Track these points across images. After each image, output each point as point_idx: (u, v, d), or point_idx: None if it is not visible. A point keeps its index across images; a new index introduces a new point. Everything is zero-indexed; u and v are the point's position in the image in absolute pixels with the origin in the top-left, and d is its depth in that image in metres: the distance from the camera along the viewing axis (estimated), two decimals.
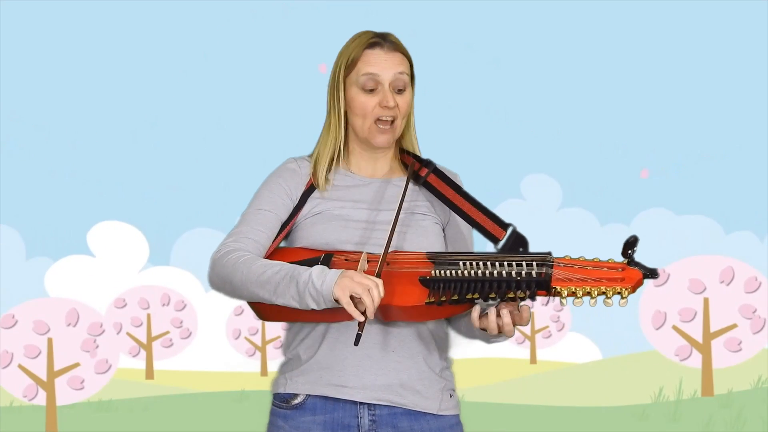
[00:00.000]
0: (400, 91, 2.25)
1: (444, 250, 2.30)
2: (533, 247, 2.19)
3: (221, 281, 2.20)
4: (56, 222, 5.24)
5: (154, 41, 5.25)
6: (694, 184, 5.30)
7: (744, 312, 5.38)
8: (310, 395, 2.23)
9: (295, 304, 2.10)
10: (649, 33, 5.27)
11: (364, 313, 2.04)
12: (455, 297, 2.08)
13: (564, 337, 5.57)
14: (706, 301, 5.40)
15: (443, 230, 2.33)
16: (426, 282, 2.11)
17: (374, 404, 2.22)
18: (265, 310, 2.24)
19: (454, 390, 2.31)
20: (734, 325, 5.38)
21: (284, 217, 2.27)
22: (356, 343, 2.05)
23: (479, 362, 5.26)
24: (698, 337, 5.41)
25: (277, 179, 2.30)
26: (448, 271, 2.09)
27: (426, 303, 2.10)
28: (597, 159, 5.31)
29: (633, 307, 5.43)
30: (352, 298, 2.04)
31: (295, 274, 2.10)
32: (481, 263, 2.09)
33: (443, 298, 2.08)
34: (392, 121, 2.25)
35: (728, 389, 5.35)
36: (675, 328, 5.42)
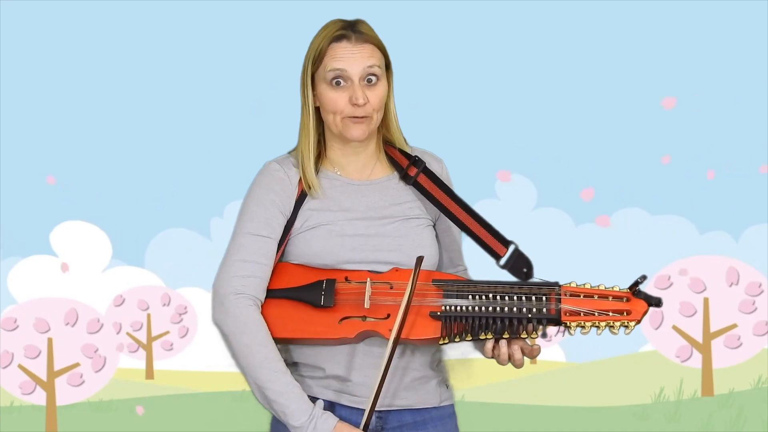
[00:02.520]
0: (371, 85, 2.16)
1: (439, 253, 2.28)
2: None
3: (222, 335, 2.18)
4: (20, 222, 5.23)
5: (122, 40, 5.23)
6: (669, 185, 5.29)
7: (744, 312, 5.38)
8: (315, 397, 2.22)
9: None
10: (631, 32, 5.27)
11: None
12: (468, 338, 2.08)
13: (564, 337, 5.57)
14: (706, 300, 5.40)
15: (434, 226, 2.31)
16: (437, 317, 2.10)
17: (381, 410, 2.22)
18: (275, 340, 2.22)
19: (447, 380, 2.32)
20: (734, 325, 5.38)
21: (280, 234, 2.22)
22: None
23: (479, 362, 5.25)
24: (698, 337, 5.41)
25: (268, 194, 2.20)
26: (458, 307, 2.08)
27: (440, 343, 2.11)
28: (572, 159, 5.30)
29: None
30: None
31: (288, 417, 2.10)
32: (490, 296, 2.08)
33: (456, 339, 2.08)
34: (367, 117, 2.17)
35: (728, 389, 5.35)
36: (675, 328, 5.42)
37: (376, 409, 2.15)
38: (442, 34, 5.20)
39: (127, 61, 5.24)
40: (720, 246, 5.35)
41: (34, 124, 5.25)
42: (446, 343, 2.08)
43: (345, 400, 2.18)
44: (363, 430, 2.05)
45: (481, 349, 2.19)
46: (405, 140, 2.27)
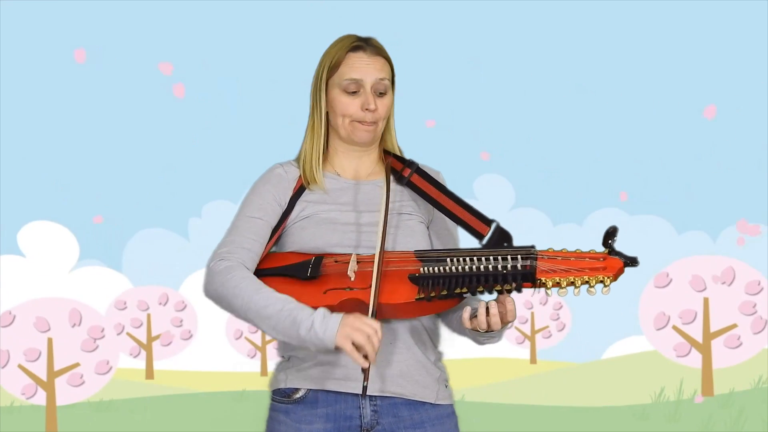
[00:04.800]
0: (381, 95, 2.30)
1: (431, 248, 2.34)
2: None
3: (218, 298, 2.23)
4: None
5: (103, 41, 5.23)
6: (647, 184, 5.30)
7: (744, 312, 5.39)
8: (311, 389, 2.26)
9: (294, 342, 2.16)
10: (618, 31, 5.28)
11: (367, 358, 2.10)
12: (444, 292, 2.13)
13: (564, 337, 5.58)
14: (706, 301, 5.41)
15: (428, 228, 2.38)
16: (415, 279, 2.16)
17: (376, 395, 2.25)
18: None
19: (447, 381, 2.35)
20: (734, 325, 5.39)
21: (274, 222, 2.31)
22: (364, 393, 2.12)
23: (479, 362, 5.26)
24: (698, 337, 5.41)
25: (264, 185, 2.33)
26: (436, 268, 2.14)
27: (416, 299, 2.14)
28: (549, 159, 5.31)
29: (633, 307, 5.44)
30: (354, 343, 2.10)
31: (298, 319, 2.13)
32: (467, 258, 2.14)
33: (432, 294, 2.14)
34: (374, 124, 2.30)
35: (728, 389, 5.35)
36: (675, 328, 5.43)
37: (369, 395, 2.21)
38: (419, 36, 5.21)
39: (107, 62, 5.24)
40: (697, 246, 5.36)
41: (27, 126, 5.25)
42: (422, 299, 2.12)
43: (341, 387, 2.22)
44: (373, 316, 2.11)
45: (460, 323, 2.23)
46: (400, 150, 2.39)
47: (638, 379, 5.38)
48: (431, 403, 2.29)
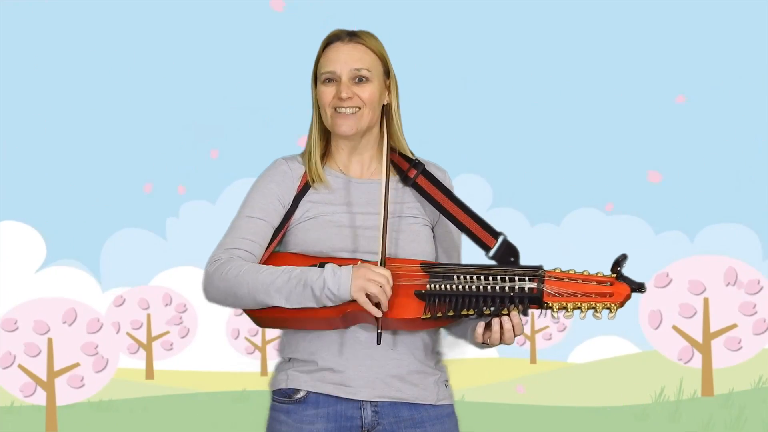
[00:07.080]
0: (360, 82, 2.27)
1: (435, 252, 2.33)
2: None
3: (222, 294, 2.21)
4: None
5: (75, 39, 5.22)
6: (624, 185, 5.30)
7: (744, 312, 5.39)
8: (311, 391, 2.26)
9: (311, 305, 2.16)
10: (585, 33, 5.28)
11: (380, 306, 2.12)
12: (450, 313, 2.13)
13: (564, 338, 5.58)
14: (706, 301, 5.41)
15: (433, 230, 2.36)
16: (422, 296, 2.15)
17: (376, 400, 2.25)
18: (263, 319, 2.25)
19: (447, 381, 2.35)
20: (734, 325, 5.39)
21: (276, 223, 2.28)
22: (378, 341, 2.13)
23: (479, 362, 5.26)
24: (698, 337, 5.41)
25: (268, 183, 2.30)
26: (442, 285, 2.14)
27: (422, 319, 2.14)
28: (526, 159, 5.31)
29: (633, 307, 5.43)
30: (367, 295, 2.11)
31: (308, 281, 2.14)
32: (474, 277, 2.13)
33: (439, 314, 2.13)
34: (357, 110, 2.27)
35: (728, 389, 5.35)
36: (675, 328, 5.43)
37: (370, 401, 2.21)
38: (402, 36, 5.21)
39: (86, 60, 5.22)
40: (676, 246, 5.36)
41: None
42: (428, 318, 2.12)
43: (341, 392, 2.21)
44: (382, 265, 2.12)
45: (472, 336, 2.23)
46: (410, 150, 2.35)
47: (638, 379, 5.38)
48: (431, 404, 2.29)
